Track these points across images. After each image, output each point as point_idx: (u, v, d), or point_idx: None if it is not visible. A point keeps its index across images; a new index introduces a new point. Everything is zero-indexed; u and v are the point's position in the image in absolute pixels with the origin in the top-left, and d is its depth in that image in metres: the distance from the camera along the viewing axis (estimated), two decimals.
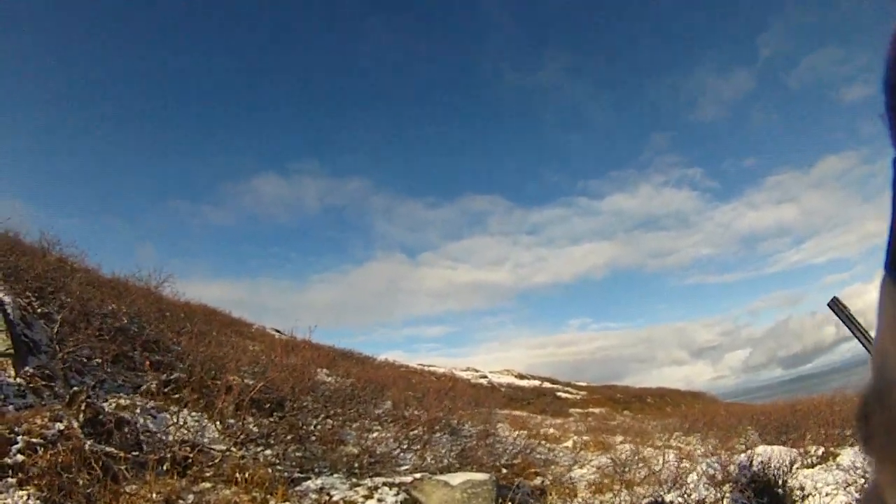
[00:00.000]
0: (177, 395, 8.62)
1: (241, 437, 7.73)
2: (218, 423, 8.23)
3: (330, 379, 15.26)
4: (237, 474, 6.42)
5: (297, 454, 8.24)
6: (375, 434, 11.12)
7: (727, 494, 7.14)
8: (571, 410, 34.89)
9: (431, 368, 38.95)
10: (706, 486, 7.92)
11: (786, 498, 6.76)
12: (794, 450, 9.26)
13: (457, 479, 6.66)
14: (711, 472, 8.39)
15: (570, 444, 15.87)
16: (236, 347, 13.19)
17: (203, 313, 18.76)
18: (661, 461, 12.56)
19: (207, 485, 6.26)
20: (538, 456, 11.72)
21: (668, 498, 7.64)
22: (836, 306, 2.62)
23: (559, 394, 43.25)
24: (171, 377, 9.00)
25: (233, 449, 6.89)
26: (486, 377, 44.34)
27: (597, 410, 35.70)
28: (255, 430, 8.44)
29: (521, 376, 48.85)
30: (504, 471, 9.47)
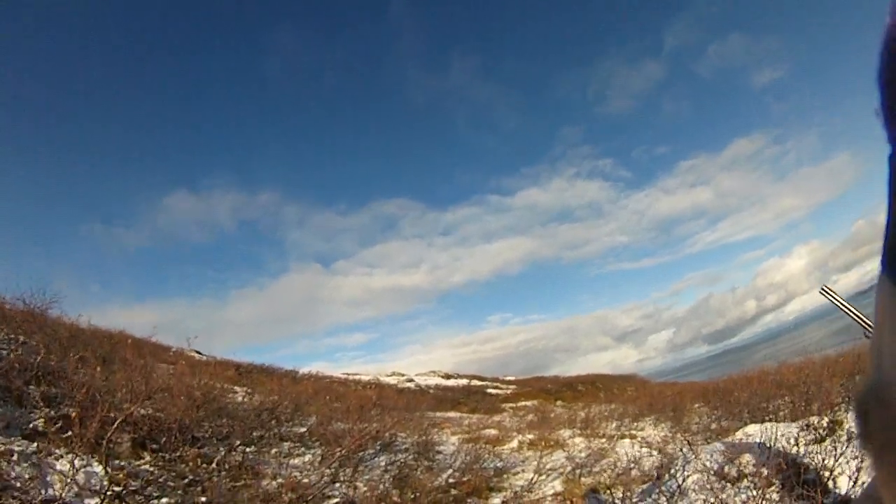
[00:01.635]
0: (66, 434, 6.69)
1: (125, 485, 5.98)
2: (106, 466, 6.41)
3: (246, 399, 13.49)
4: None
5: (201, 499, 6.49)
6: (297, 460, 9.48)
7: (772, 494, 5.84)
8: (503, 405, 34.22)
9: (356, 377, 37.42)
10: (713, 482, 6.66)
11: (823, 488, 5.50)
12: (794, 424, 8.17)
13: None
14: (709, 464, 7.14)
15: (514, 444, 14.53)
16: (144, 373, 10.92)
17: (116, 339, 16.54)
18: (621, 455, 11.45)
19: None
20: (487, 465, 10.27)
21: None
22: (827, 293, 3.11)
23: (489, 390, 42.62)
24: (60, 413, 7.09)
25: None
26: (412, 381, 43.15)
27: (529, 403, 34.99)
28: (152, 470, 6.68)
29: (448, 376, 48.06)
30: (452, 492, 7.97)
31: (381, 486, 8.00)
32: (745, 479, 6.52)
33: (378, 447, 10.57)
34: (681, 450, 9.43)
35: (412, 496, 7.45)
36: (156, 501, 6.01)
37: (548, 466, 10.96)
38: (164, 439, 7.27)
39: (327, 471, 7.85)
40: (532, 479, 9.13)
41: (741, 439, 8.01)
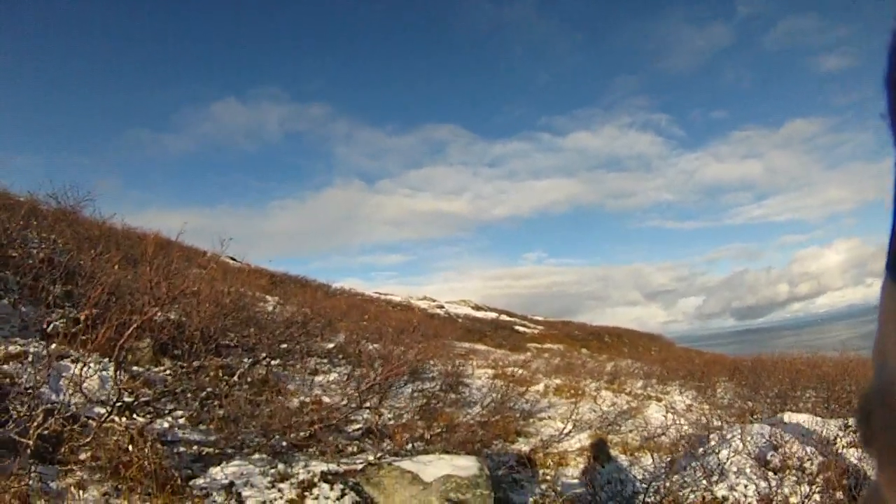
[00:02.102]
0: (85, 337, 6.43)
1: (137, 394, 5.73)
2: (117, 372, 6.14)
3: (276, 310, 13.30)
4: (121, 456, 4.42)
5: (219, 413, 6.22)
6: (322, 377, 9.24)
7: (814, 495, 5.33)
8: (529, 345, 34.16)
9: (388, 297, 37.62)
10: (754, 472, 6.18)
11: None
12: (832, 421, 7.58)
13: (432, 469, 4.58)
14: (751, 447, 6.66)
15: (540, 387, 14.23)
16: (169, 274, 10.50)
17: (149, 241, 16.30)
18: (649, 416, 11.06)
19: (71, 480, 4.25)
20: (514, 406, 9.92)
21: (718, 493, 5.84)
22: None
23: (517, 327, 42.50)
24: (79, 315, 6.83)
25: (115, 419, 4.76)
26: (442, 307, 43.14)
27: (554, 346, 34.89)
28: (169, 379, 6.43)
29: (478, 307, 48.08)
30: (479, 432, 7.62)
31: (406, 415, 7.71)
32: (789, 472, 6.03)
33: (408, 374, 10.31)
34: (717, 425, 8.96)
35: (438, 430, 7.14)
36: (169, 415, 5.74)
37: (572, 415, 10.66)
38: (185, 347, 6.98)
39: (354, 394, 7.53)
40: (563, 429, 8.74)
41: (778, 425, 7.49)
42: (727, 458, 6.44)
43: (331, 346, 11.78)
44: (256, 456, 5.23)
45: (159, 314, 6.89)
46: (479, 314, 44.76)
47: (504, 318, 45.51)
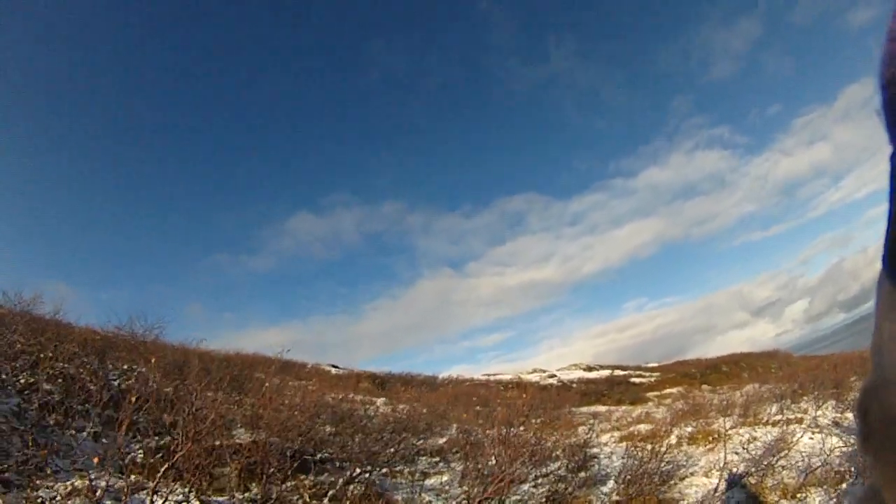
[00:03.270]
0: (166, 466, 5.91)
1: None
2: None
3: (381, 410, 12.65)
4: None
5: None
6: (434, 479, 8.37)
7: None
8: (648, 395, 32.65)
9: (497, 377, 36.79)
10: None
11: None
12: None
13: None
14: None
15: (672, 440, 12.83)
16: (274, 392, 9.92)
17: (239, 362, 16.22)
18: (798, 445, 9.55)
19: None
20: (650, 469, 8.69)
21: None
22: None
23: (632, 379, 40.80)
24: (161, 443, 6.39)
25: None
26: (554, 376, 42.03)
27: (674, 390, 33.36)
28: None
29: (590, 368, 46.61)
30: None
31: None
32: None
33: (528, 459, 9.31)
34: None
35: None
36: None
37: (715, 466, 9.33)
38: (272, 467, 6.31)
39: (469, 493, 6.64)
40: (715, 486, 7.51)
41: None
42: None
43: (442, 440, 10.94)
44: None
45: (246, 435, 6.35)
46: (592, 375, 43.22)
47: (618, 373, 43.73)
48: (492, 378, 36.48)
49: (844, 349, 32.67)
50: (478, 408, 15.86)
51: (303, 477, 6.48)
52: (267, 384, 9.24)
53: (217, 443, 6.27)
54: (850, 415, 11.97)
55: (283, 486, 6.31)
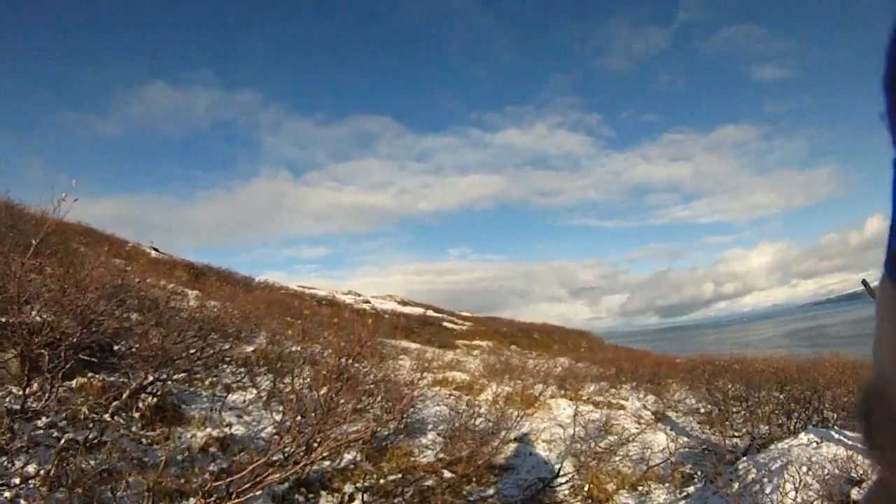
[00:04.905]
0: None
1: None
2: None
3: (196, 304, 11.28)
4: None
5: (85, 466, 4.25)
6: (238, 395, 7.36)
7: None
8: (458, 342, 33.19)
9: (312, 291, 35.77)
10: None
11: None
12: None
13: None
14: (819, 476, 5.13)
15: (488, 395, 12.67)
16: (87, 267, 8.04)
17: (55, 227, 13.97)
18: (622, 428, 9.66)
19: None
20: (472, 428, 8.23)
21: None
22: (868, 287, 3.29)
23: (444, 323, 41.52)
24: None
25: None
26: (368, 302, 41.75)
27: (483, 343, 34.15)
28: (35, 406, 4.48)
29: (405, 302, 47.19)
30: (446, 474, 5.94)
31: (349, 454, 5.99)
32: None
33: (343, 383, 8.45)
34: (732, 445, 7.62)
35: (393, 476, 5.43)
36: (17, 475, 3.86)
37: (541, 437, 9.15)
38: (60, 359, 5.00)
39: (281, 425, 5.75)
40: (547, 457, 7.18)
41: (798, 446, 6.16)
42: (779, 489, 5.00)
43: (250, 349, 9.88)
44: None
45: (36, 314, 4.96)
46: (406, 309, 43.59)
47: (431, 313, 44.42)
48: (307, 290, 35.48)
49: (650, 349, 35.56)
50: (289, 318, 14.87)
51: (91, 375, 5.21)
52: (91, 258, 7.62)
53: (2, 319, 4.84)
54: (672, 413, 12.49)
55: (70, 382, 5.03)
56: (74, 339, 4.87)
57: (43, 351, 4.52)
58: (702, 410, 12.41)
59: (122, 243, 20.33)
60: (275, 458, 4.27)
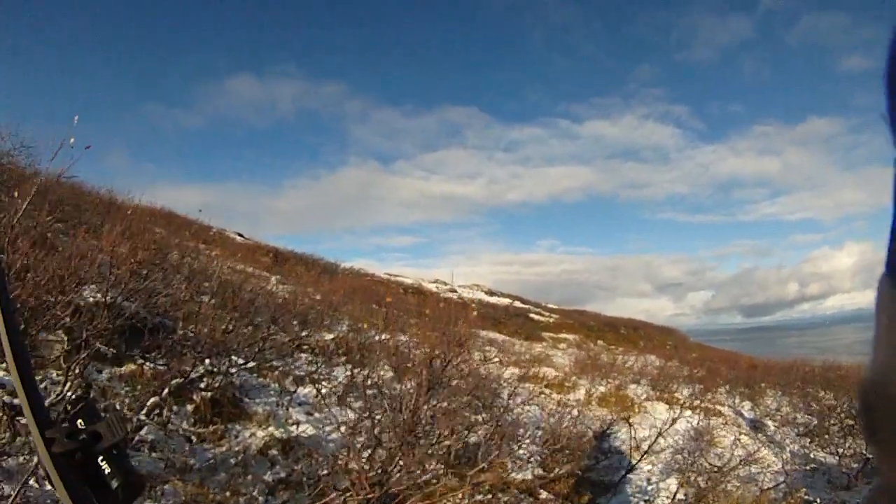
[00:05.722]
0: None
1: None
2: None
3: (279, 290, 10.88)
4: None
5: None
6: (308, 388, 6.68)
7: None
8: (544, 334, 32.15)
9: (399, 279, 35.53)
10: None
11: None
12: None
13: None
14: None
15: (580, 395, 11.69)
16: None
17: (153, 215, 14.86)
18: (729, 444, 8.51)
19: None
20: (571, 437, 7.26)
21: None
22: None
23: (531, 315, 40.29)
24: None
25: None
26: (455, 291, 41.14)
27: (570, 337, 33.00)
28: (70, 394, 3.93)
29: (491, 293, 46.30)
30: (542, 495, 5.07)
31: (429, 465, 5.15)
32: None
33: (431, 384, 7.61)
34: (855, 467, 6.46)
35: (481, 497, 4.60)
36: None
37: (636, 445, 8.15)
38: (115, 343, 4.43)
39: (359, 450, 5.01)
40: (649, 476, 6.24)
41: None
42: None
43: (330, 337, 9.26)
44: None
45: (90, 294, 4.44)
46: (493, 300, 42.74)
47: (517, 304, 43.36)
48: (393, 278, 35.30)
49: (736, 349, 33.77)
50: (374, 306, 14.35)
51: (141, 362, 4.64)
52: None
53: (52, 298, 4.32)
54: (770, 422, 11.29)
55: (118, 370, 4.47)
56: (128, 322, 4.29)
57: (88, 333, 3.97)
58: (799, 420, 11.26)
59: (206, 229, 20.52)
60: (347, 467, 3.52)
